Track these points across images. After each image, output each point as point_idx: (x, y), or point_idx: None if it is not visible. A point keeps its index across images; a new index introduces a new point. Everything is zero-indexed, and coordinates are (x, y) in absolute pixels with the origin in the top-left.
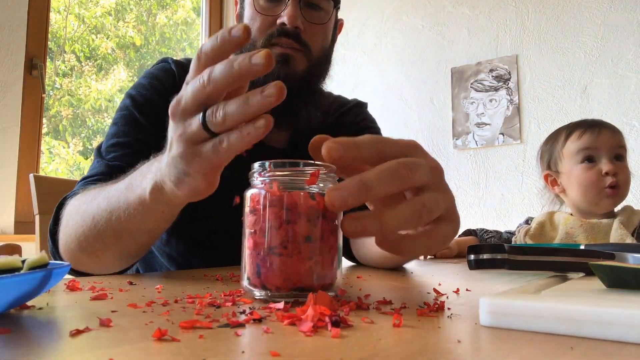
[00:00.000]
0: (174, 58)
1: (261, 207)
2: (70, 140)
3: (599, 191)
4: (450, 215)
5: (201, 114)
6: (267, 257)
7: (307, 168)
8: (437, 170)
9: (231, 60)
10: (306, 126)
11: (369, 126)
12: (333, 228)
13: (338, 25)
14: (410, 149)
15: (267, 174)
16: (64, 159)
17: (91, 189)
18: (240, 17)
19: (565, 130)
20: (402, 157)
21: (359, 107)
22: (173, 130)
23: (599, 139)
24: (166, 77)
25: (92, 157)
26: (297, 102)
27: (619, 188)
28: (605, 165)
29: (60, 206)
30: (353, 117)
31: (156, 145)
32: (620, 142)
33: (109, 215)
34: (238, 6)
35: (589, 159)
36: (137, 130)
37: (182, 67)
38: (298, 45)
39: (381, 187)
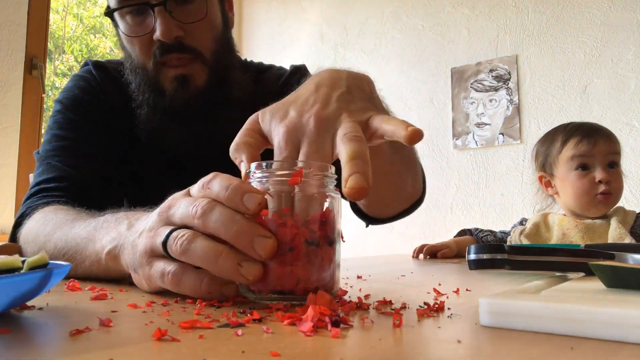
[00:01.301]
0: (95, 60)
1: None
2: None
3: (592, 198)
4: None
5: (168, 231)
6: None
7: (293, 170)
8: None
9: (234, 222)
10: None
11: None
12: (322, 230)
13: None
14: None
15: (255, 177)
16: None
17: (47, 215)
18: (119, 39)
19: (562, 134)
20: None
21: (296, 73)
22: (152, 221)
23: (595, 148)
24: (91, 78)
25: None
26: (212, 112)
27: (612, 195)
28: (599, 174)
29: (18, 225)
30: (294, 86)
31: (94, 141)
32: (615, 149)
33: (64, 260)
34: (115, 28)
35: (583, 167)
36: (74, 130)
37: (101, 68)
38: (187, 55)
39: (366, 151)
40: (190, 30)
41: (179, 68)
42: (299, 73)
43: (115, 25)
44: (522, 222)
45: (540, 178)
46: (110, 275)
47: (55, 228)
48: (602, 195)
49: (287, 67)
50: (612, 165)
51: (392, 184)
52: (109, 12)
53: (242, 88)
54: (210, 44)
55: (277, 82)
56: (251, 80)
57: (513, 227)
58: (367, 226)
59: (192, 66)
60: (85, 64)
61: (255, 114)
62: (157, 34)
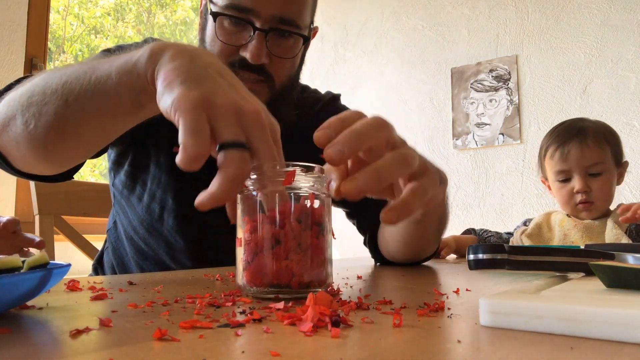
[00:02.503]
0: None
1: (242, 209)
2: None
3: (572, 207)
4: (424, 169)
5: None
6: (246, 255)
7: (287, 169)
8: (407, 148)
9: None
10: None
11: None
12: (312, 226)
13: (312, 34)
14: (380, 128)
15: (252, 176)
16: None
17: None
18: (202, 29)
19: (546, 140)
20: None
21: (333, 102)
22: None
23: (567, 160)
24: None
25: None
26: None
27: (592, 204)
28: (576, 184)
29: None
30: (330, 114)
31: None
32: (593, 160)
33: (63, 90)
34: (202, 17)
35: (563, 176)
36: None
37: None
38: (262, 77)
39: (390, 175)
40: (275, 61)
41: (248, 83)
42: (335, 104)
43: (205, 18)
44: (526, 222)
45: (543, 181)
46: (120, 89)
47: (38, 79)
48: (582, 205)
49: (317, 90)
50: (594, 174)
51: (419, 244)
52: (214, 14)
53: (289, 125)
54: (284, 79)
55: (313, 107)
56: (295, 113)
57: (516, 229)
58: (376, 264)
59: (259, 85)
60: (145, 40)
61: None
62: (247, 54)
